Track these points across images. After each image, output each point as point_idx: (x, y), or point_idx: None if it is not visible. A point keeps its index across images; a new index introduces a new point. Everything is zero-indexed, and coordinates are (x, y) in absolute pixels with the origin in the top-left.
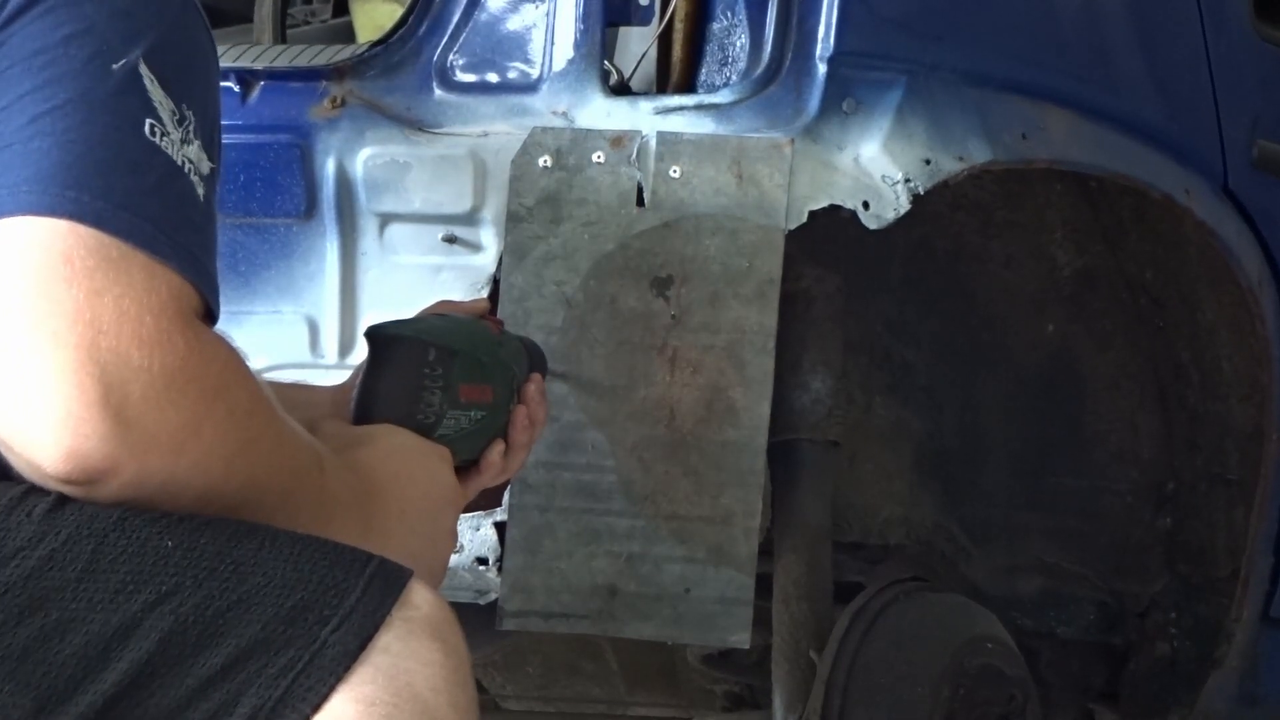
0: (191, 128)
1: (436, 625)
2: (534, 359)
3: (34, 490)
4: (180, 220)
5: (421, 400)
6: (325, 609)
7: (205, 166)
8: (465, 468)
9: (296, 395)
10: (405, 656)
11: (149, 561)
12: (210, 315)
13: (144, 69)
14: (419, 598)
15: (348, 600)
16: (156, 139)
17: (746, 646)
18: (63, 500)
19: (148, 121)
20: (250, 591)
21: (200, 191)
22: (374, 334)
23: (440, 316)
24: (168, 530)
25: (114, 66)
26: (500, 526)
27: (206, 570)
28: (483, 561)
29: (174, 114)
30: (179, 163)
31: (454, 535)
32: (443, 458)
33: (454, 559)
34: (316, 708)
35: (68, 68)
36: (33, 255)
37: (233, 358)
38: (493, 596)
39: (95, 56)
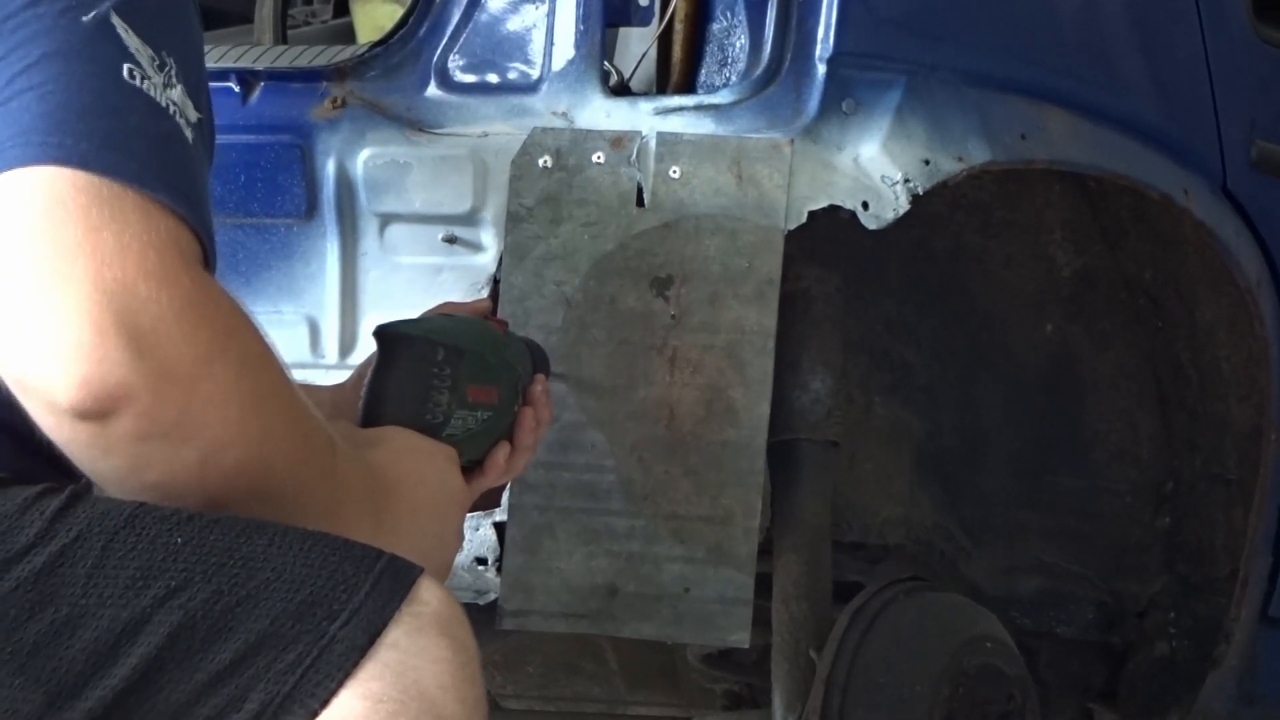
0: (173, 73)
1: (445, 622)
2: (537, 360)
3: (49, 491)
4: (169, 160)
5: (430, 400)
6: (334, 604)
7: (192, 114)
8: (470, 468)
9: None
10: (413, 653)
11: (159, 557)
12: (207, 263)
13: (116, 19)
14: (428, 594)
15: (357, 596)
16: (136, 81)
17: (746, 646)
18: (75, 499)
19: (125, 66)
20: (259, 586)
21: (188, 135)
22: (382, 334)
23: (446, 316)
24: (178, 527)
25: (84, 19)
26: (499, 526)
27: (216, 565)
28: (482, 561)
29: (153, 60)
30: (163, 104)
31: (461, 535)
32: (450, 458)
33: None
34: (324, 703)
35: (39, 26)
36: (25, 204)
37: (239, 307)
38: (492, 596)
39: (65, 12)
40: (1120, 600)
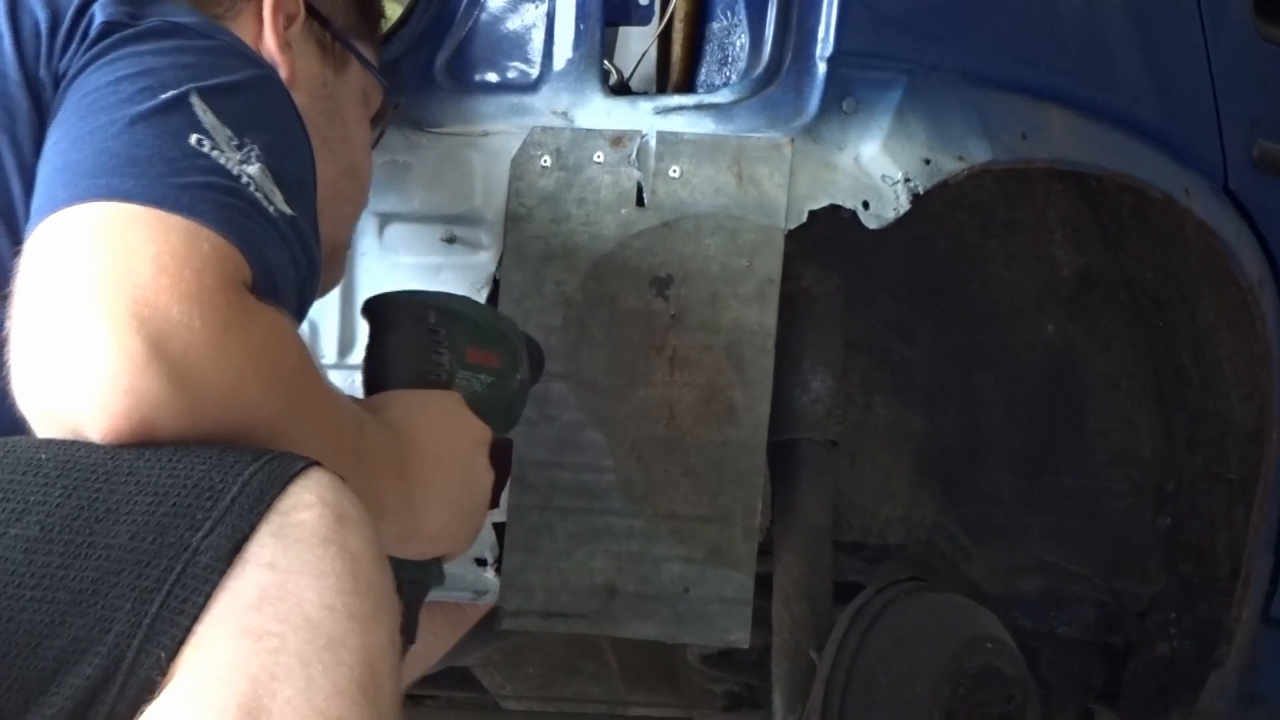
0: (254, 154)
1: (329, 525)
2: (534, 357)
3: None
4: (226, 204)
5: (430, 359)
6: (198, 514)
7: (281, 203)
8: None
9: None
10: (292, 571)
11: (19, 473)
12: (261, 294)
13: (195, 99)
14: (310, 493)
15: (221, 502)
16: (204, 149)
17: (746, 646)
18: None
19: (194, 135)
20: (121, 500)
21: (270, 210)
22: (372, 303)
23: (435, 290)
24: (46, 445)
25: (162, 95)
26: (499, 527)
27: (78, 480)
28: (481, 562)
29: (231, 139)
30: (233, 171)
31: (489, 471)
32: (457, 401)
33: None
34: (195, 619)
35: (115, 99)
36: (67, 237)
37: (280, 321)
38: (491, 597)
39: (145, 90)
40: (1121, 600)
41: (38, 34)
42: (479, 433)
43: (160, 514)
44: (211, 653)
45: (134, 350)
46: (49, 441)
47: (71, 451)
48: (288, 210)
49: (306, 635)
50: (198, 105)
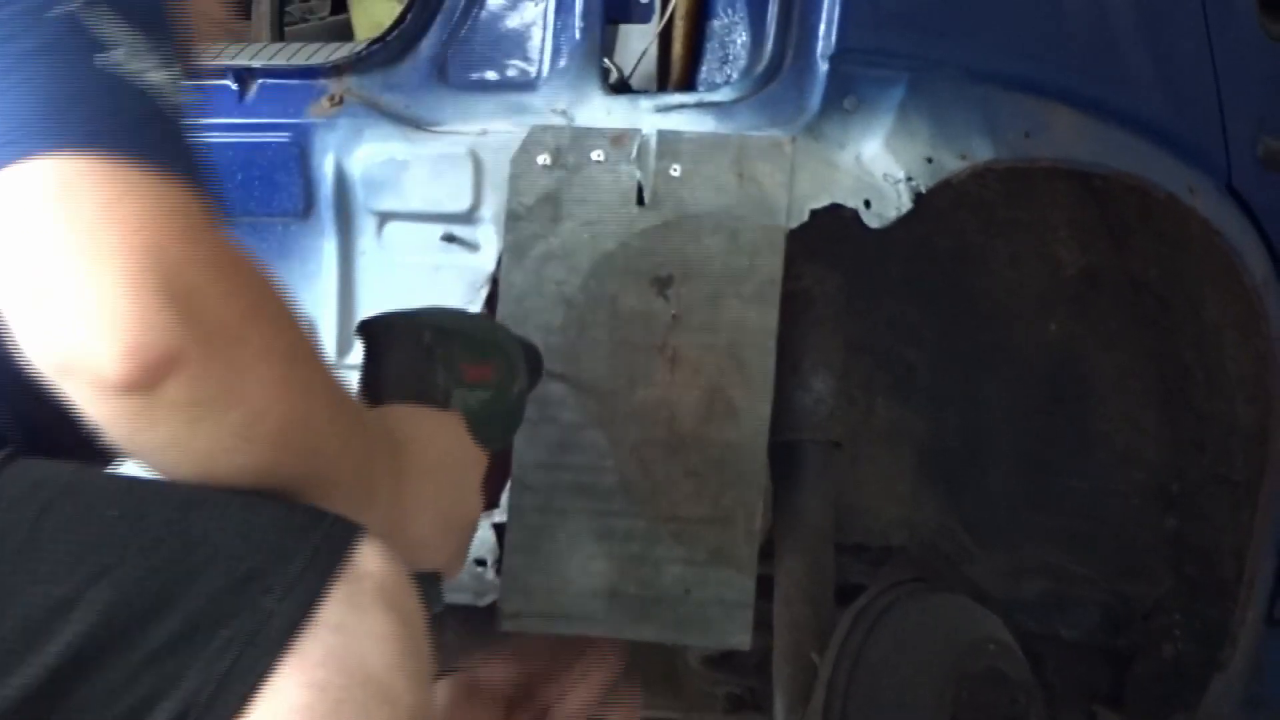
0: (159, 53)
1: (390, 593)
2: (531, 360)
3: None
4: (164, 135)
5: (425, 380)
6: (270, 578)
7: (174, 70)
8: None
9: None
10: (358, 635)
11: (93, 532)
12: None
13: (86, 11)
14: (370, 562)
15: (293, 568)
16: (115, 70)
17: (747, 649)
18: (8, 461)
19: (97, 56)
20: (198, 563)
21: (180, 110)
22: (366, 324)
23: (428, 306)
24: (114, 499)
25: (48, 15)
26: (499, 528)
27: (152, 541)
28: (481, 563)
29: (134, 43)
30: (145, 88)
31: (480, 493)
32: (457, 421)
33: None
34: (262, 678)
35: (2, 32)
36: (32, 194)
37: (263, 265)
38: (491, 598)
39: (28, 11)
40: (1126, 602)
41: None
42: (475, 453)
43: (236, 577)
44: (279, 699)
45: (144, 292)
46: (117, 495)
47: (142, 508)
48: (177, 70)
49: (368, 690)
50: (91, 17)
